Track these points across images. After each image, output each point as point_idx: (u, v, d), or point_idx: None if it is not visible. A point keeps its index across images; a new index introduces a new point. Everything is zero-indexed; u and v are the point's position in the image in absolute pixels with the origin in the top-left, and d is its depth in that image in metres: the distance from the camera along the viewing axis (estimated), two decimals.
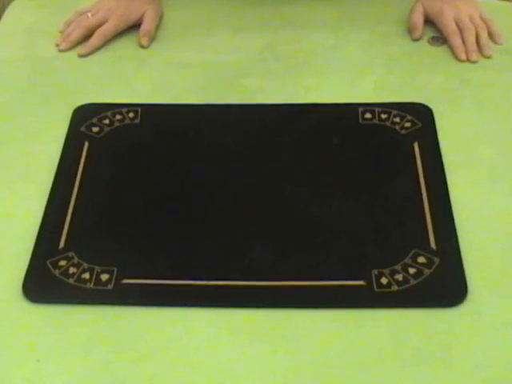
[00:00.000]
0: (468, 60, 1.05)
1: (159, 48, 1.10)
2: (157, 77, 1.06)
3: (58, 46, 1.10)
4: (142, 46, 1.10)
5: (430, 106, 0.97)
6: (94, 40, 1.09)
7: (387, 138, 0.94)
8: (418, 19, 1.09)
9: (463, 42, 1.06)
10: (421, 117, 0.96)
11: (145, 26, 1.10)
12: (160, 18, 1.14)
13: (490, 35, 1.07)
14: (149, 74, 1.06)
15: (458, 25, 1.07)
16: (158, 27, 1.12)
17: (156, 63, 1.08)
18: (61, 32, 1.11)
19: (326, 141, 0.94)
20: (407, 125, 0.95)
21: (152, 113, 0.98)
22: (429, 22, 1.10)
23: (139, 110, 0.98)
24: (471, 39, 1.06)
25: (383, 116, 0.96)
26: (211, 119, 0.98)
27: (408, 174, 0.89)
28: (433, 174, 0.88)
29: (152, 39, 1.11)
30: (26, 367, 0.73)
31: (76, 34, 1.09)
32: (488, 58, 1.05)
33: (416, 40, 1.09)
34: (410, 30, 1.10)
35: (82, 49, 1.09)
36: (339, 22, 1.13)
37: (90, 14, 1.10)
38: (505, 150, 0.93)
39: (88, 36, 1.10)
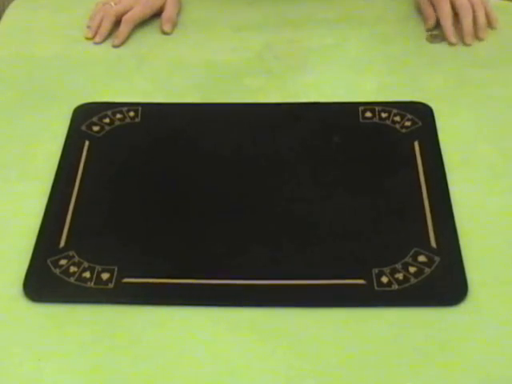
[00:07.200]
0: (463, 43, 1.06)
1: (159, 47, 1.10)
2: (157, 76, 1.06)
3: (89, 39, 1.11)
4: (165, 33, 1.12)
5: (431, 104, 0.97)
6: (124, 28, 1.10)
7: (387, 137, 0.94)
8: (429, 8, 1.09)
9: (460, 23, 1.06)
10: (421, 116, 0.96)
11: (167, 13, 1.12)
12: (180, 7, 1.15)
13: (487, 18, 1.07)
14: (149, 73, 1.06)
15: (455, 5, 1.06)
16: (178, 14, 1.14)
17: (156, 62, 1.08)
18: (88, 27, 1.12)
19: (326, 140, 0.94)
20: (407, 124, 0.95)
21: (152, 112, 0.98)
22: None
23: (139, 108, 0.99)
24: (467, 21, 1.06)
25: (383, 115, 0.96)
26: (211, 118, 0.98)
27: (408, 172, 0.89)
28: (433, 173, 0.88)
29: (174, 26, 1.12)
30: (26, 366, 0.73)
31: (106, 24, 1.10)
32: (480, 40, 1.07)
33: (430, 30, 1.09)
34: (425, 21, 1.10)
35: (114, 40, 1.10)
36: (339, 21, 1.13)
37: (112, 3, 1.12)
38: (505, 149, 0.93)
39: (117, 23, 1.11)
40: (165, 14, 1.12)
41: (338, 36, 1.11)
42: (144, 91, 1.03)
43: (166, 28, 1.11)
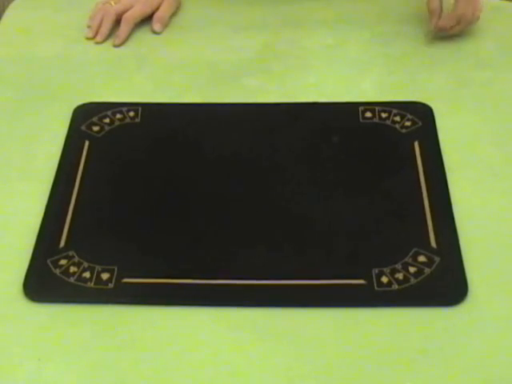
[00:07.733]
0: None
1: (159, 47, 1.10)
2: (157, 76, 1.06)
3: (90, 39, 1.11)
4: (155, 32, 1.12)
5: (431, 105, 0.97)
6: (124, 27, 1.11)
7: (387, 137, 0.94)
8: (436, 4, 1.07)
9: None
10: (421, 116, 0.96)
11: (159, 13, 1.13)
12: (177, 8, 1.15)
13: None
14: (149, 72, 1.06)
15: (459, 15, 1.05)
16: (173, 15, 1.14)
17: (156, 62, 1.08)
18: (89, 27, 1.12)
19: (326, 140, 0.94)
20: (407, 124, 0.95)
21: (152, 112, 0.98)
22: None
23: (139, 108, 0.98)
24: (458, 28, 1.06)
25: (383, 115, 0.96)
26: (211, 118, 0.98)
27: (408, 172, 0.89)
28: (433, 173, 0.88)
29: (165, 26, 1.13)
30: (26, 366, 0.73)
31: (107, 23, 1.11)
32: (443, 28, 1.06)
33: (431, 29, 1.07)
34: (429, 16, 1.08)
35: (115, 40, 1.10)
36: (339, 22, 1.13)
37: (112, 3, 1.12)
38: (505, 149, 0.93)
39: (117, 23, 1.11)
40: (157, 14, 1.12)
41: (337, 36, 1.11)
42: (144, 91, 1.03)
43: (156, 28, 1.12)
